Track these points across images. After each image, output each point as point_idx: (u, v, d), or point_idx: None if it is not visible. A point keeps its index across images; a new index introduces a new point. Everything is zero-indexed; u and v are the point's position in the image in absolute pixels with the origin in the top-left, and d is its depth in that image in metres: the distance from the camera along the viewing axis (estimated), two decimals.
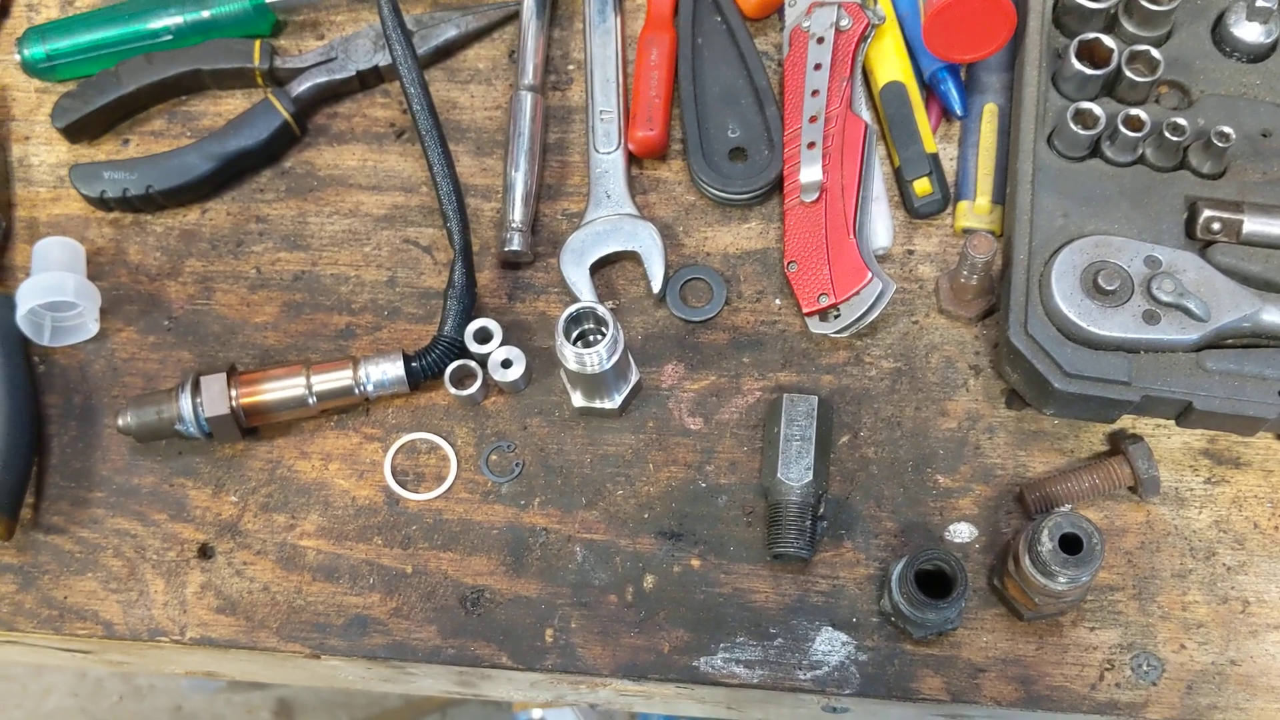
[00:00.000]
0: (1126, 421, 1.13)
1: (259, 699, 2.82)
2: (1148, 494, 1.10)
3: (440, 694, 1.36)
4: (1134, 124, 1.11)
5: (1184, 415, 1.06)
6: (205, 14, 1.30)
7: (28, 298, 1.18)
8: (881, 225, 1.21)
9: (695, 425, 1.17)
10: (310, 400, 1.15)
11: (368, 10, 1.35)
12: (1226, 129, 1.09)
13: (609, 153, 1.25)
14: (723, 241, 1.24)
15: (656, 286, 1.21)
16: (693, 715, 1.33)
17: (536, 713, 2.55)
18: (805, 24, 1.24)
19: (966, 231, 1.21)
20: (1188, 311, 1.05)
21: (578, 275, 1.21)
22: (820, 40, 1.22)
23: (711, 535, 1.13)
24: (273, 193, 1.29)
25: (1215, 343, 1.06)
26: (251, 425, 1.17)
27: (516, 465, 1.17)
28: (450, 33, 1.32)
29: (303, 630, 1.12)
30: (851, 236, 1.16)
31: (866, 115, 1.23)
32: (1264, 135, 1.13)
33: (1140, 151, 1.12)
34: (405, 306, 1.23)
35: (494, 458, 1.17)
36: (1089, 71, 1.13)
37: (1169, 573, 1.10)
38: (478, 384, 1.17)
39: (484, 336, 1.17)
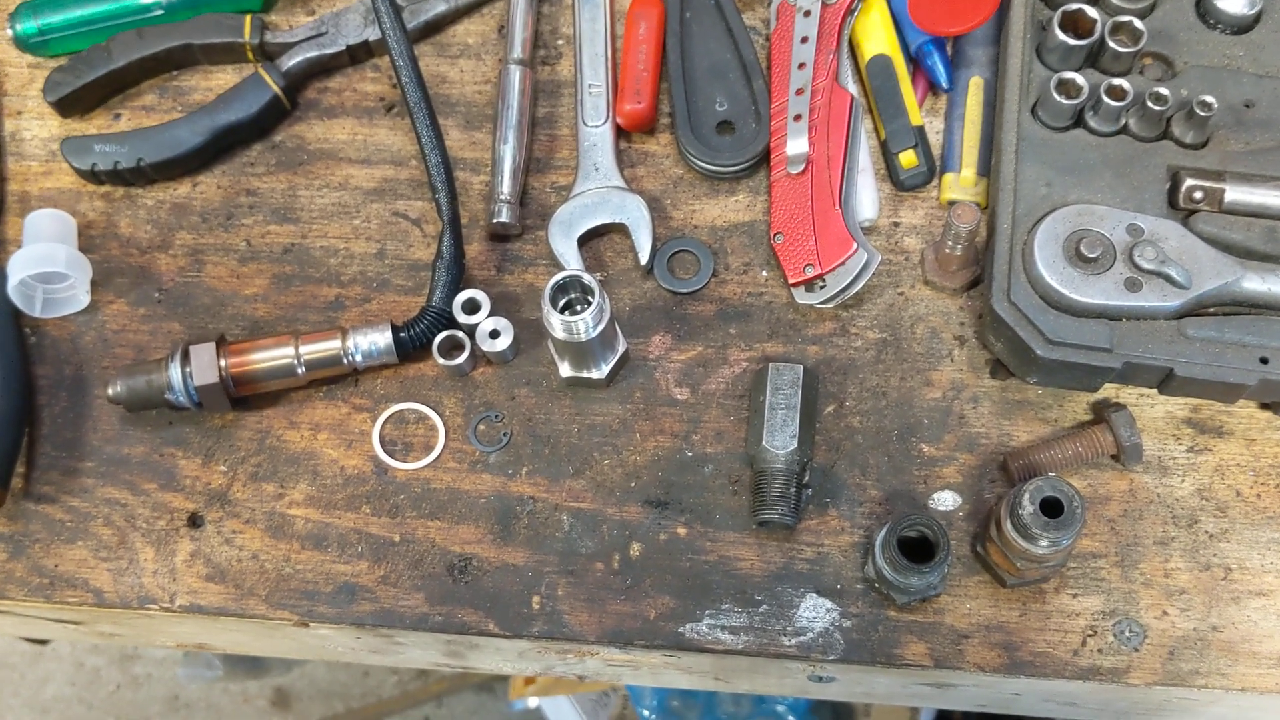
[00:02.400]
0: (1110, 391, 1.14)
1: (255, 688, 2.82)
2: (1130, 462, 1.11)
3: (430, 665, 1.37)
4: (1117, 94, 1.11)
5: (1165, 383, 1.07)
6: None
7: (19, 269, 1.18)
8: (867, 197, 1.21)
9: (682, 395, 1.18)
10: (299, 370, 1.16)
11: None
12: (1209, 99, 1.09)
13: (597, 126, 1.26)
14: (710, 214, 1.25)
15: (644, 258, 1.21)
16: (681, 687, 1.33)
17: (532, 701, 2.55)
18: None
19: (952, 203, 1.21)
20: (1169, 279, 1.06)
21: (566, 247, 1.22)
22: (807, 14, 1.23)
23: (698, 504, 1.14)
24: (263, 166, 1.30)
25: (1196, 310, 1.07)
26: (241, 395, 1.17)
27: (504, 435, 1.17)
28: (440, 8, 1.32)
29: (291, 598, 1.13)
30: (837, 208, 1.17)
31: (853, 88, 1.24)
32: (1246, 106, 1.14)
33: (1123, 121, 1.13)
34: (394, 278, 1.24)
35: (482, 427, 1.18)
36: (1072, 42, 1.14)
37: (1151, 540, 1.10)
38: (465, 354, 1.17)
39: (472, 307, 1.18)
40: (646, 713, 2.25)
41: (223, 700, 2.83)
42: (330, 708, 2.79)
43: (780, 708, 2.12)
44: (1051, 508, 0.99)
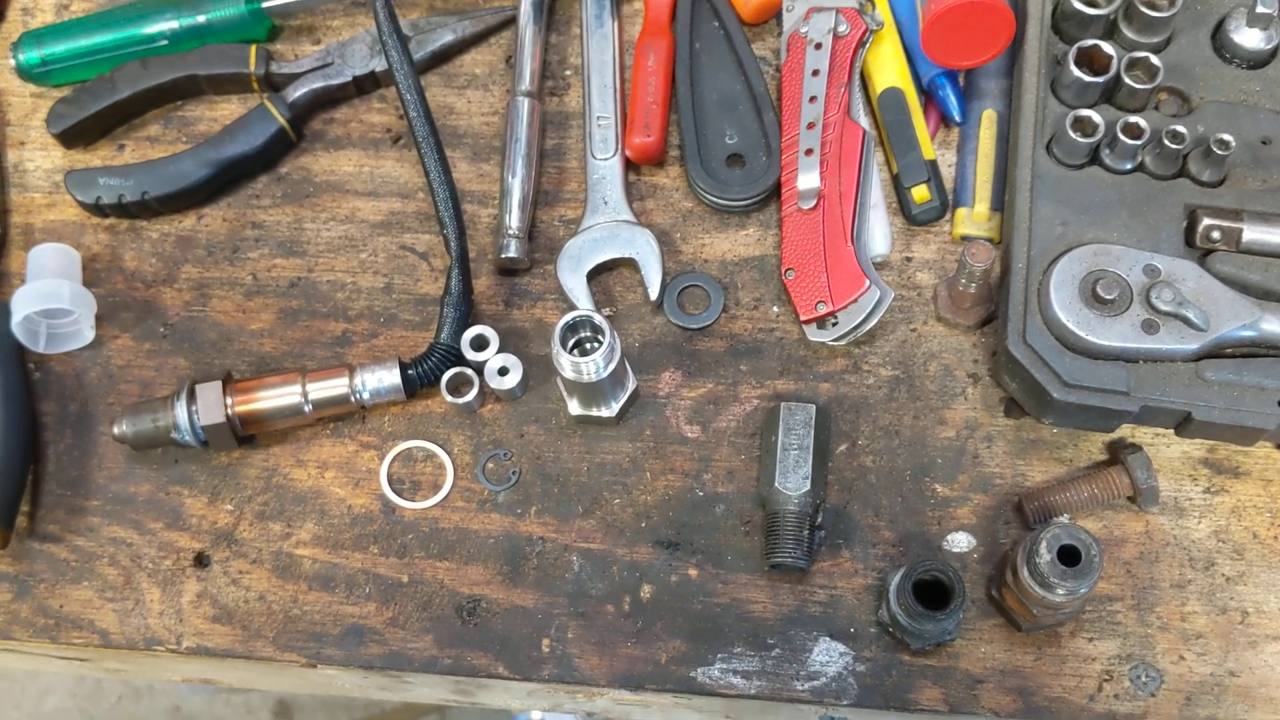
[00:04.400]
0: (1125, 431, 1.13)
1: (258, 700, 2.81)
2: (1147, 504, 1.10)
3: (437, 701, 1.36)
4: (1133, 131, 1.10)
5: (1183, 425, 1.05)
6: (201, 19, 1.30)
7: (23, 305, 1.17)
8: (879, 232, 1.20)
9: (693, 433, 1.17)
10: (306, 408, 1.15)
11: (364, 15, 1.35)
12: (1226, 137, 1.08)
13: (606, 159, 1.25)
14: (720, 248, 1.23)
15: (654, 293, 1.20)
16: None
17: (535, 715, 2.54)
18: (803, 29, 1.24)
19: (965, 239, 1.20)
20: (1187, 321, 1.04)
21: (575, 282, 1.21)
22: (818, 46, 1.22)
23: (709, 545, 1.13)
24: (269, 199, 1.28)
25: (1214, 352, 1.06)
26: (247, 433, 1.16)
27: (513, 473, 1.16)
28: (447, 38, 1.31)
29: (299, 640, 1.12)
30: (849, 244, 1.16)
31: (865, 122, 1.22)
32: (1264, 143, 1.13)
33: (1139, 159, 1.12)
34: (402, 313, 1.23)
35: (490, 466, 1.17)
36: (1088, 78, 1.13)
37: (1168, 583, 1.09)
38: (474, 392, 1.16)
39: (480, 344, 1.17)
40: None
41: (225, 711, 2.82)
42: (333, 719, 2.78)
43: None
44: (1069, 556, 0.98)
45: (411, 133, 1.21)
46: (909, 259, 1.22)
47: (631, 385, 1.16)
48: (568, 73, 1.32)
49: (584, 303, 1.19)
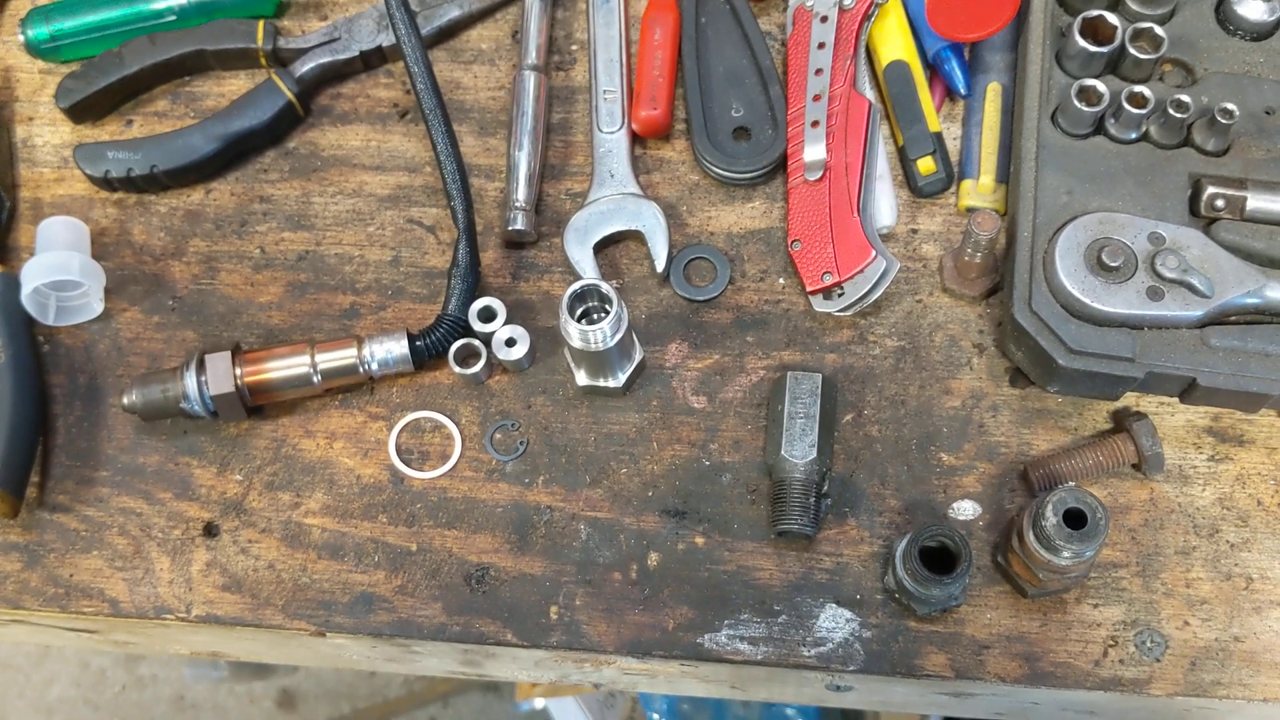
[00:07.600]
0: (1130, 399, 1.13)
1: (261, 688, 2.82)
2: (1151, 471, 1.11)
3: (445, 674, 1.36)
4: (1138, 101, 1.11)
5: (1188, 392, 1.06)
6: None
7: (33, 277, 1.18)
8: (885, 204, 1.21)
9: (699, 404, 1.17)
10: (315, 379, 1.15)
11: None
12: (1230, 106, 1.09)
13: (613, 132, 1.25)
14: (726, 221, 1.24)
15: (660, 266, 1.21)
16: (696, 695, 1.33)
17: (539, 702, 2.54)
18: (809, 3, 1.24)
19: (970, 210, 1.21)
20: (1191, 288, 1.05)
21: (581, 255, 1.21)
22: (824, 19, 1.22)
23: (716, 513, 1.13)
24: (276, 173, 1.29)
25: (1219, 319, 1.06)
26: (256, 404, 1.17)
27: (521, 444, 1.17)
28: (453, 13, 1.32)
29: (308, 608, 1.13)
30: (855, 215, 1.16)
31: (870, 94, 1.23)
32: (1267, 113, 1.13)
33: (1144, 129, 1.12)
34: (409, 286, 1.23)
35: (498, 436, 1.17)
36: (1093, 49, 1.13)
37: (1172, 550, 1.10)
38: (482, 363, 1.17)
39: (488, 315, 1.17)
40: (656, 716, 2.25)
41: (229, 701, 2.82)
42: (336, 708, 2.79)
43: (790, 711, 2.12)
44: (1075, 519, 0.99)
45: (419, 106, 1.21)
46: (914, 230, 1.22)
47: (638, 356, 1.16)
48: (574, 47, 1.32)
49: (591, 275, 1.20)
